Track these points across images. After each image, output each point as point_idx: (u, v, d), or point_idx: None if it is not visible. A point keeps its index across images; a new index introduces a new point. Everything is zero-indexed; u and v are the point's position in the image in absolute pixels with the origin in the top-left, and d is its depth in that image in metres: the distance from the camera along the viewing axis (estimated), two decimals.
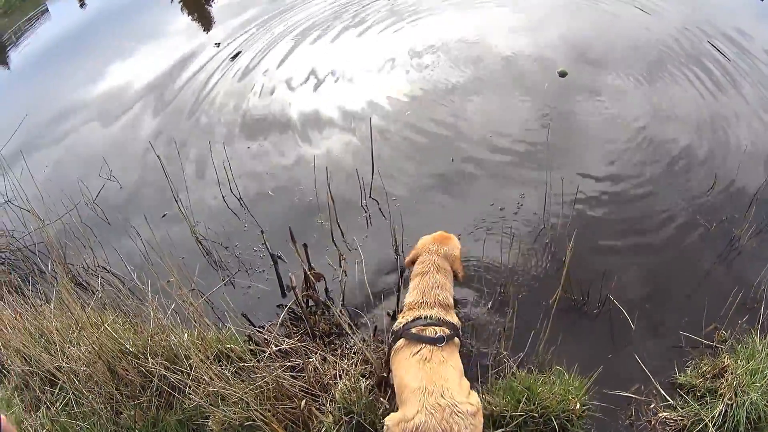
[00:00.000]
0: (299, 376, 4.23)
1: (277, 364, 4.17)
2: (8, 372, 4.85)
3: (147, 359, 4.19)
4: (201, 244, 6.03)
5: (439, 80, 7.48)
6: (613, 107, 6.71)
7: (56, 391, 4.55)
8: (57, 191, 6.94)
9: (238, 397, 3.94)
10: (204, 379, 3.96)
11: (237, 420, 3.96)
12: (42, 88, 10.20)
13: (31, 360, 4.65)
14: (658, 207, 5.56)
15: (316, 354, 4.36)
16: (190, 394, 4.03)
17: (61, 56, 11.28)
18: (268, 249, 5.28)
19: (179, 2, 12.06)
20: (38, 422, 4.35)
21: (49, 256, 5.91)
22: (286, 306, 4.89)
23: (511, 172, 6.07)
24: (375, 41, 8.58)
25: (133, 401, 4.29)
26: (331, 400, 4.10)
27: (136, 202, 6.76)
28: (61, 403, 4.45)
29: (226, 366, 4.17)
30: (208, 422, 4.12)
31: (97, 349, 4.34)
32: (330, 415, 4.04)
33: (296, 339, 4.54)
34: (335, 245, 5.48)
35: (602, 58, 7.50)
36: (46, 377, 4.63)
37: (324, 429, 3.98)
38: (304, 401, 4.02)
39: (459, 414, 3.25)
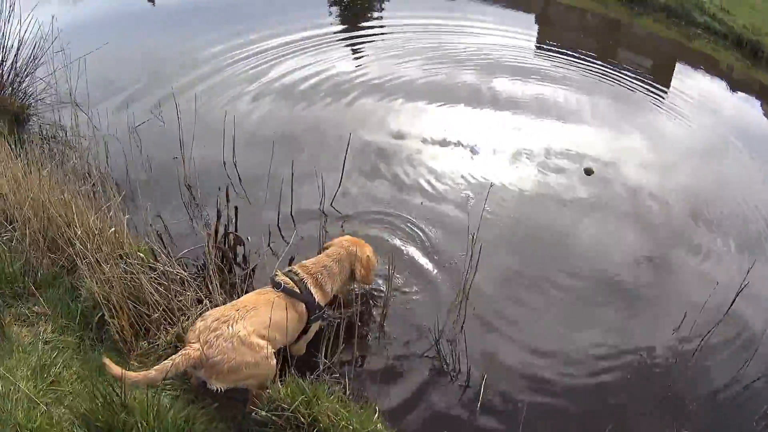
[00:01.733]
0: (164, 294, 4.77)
1: (153, 275, 4.78)
2: None
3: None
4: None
5: (564, 186, 7.87)
6: (708, 270, 6.80)
7: None
8: None
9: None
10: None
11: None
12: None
13: None
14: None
15: (192, 290, 4.91)
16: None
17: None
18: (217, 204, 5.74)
19: None
20: None
21: None
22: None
23: (596, 302, 6.21)
24: (524, 127, 9.20)
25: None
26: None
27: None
28: None
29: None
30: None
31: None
32: (169, 335, 4.57)
33: (189, 273, 5.14)
34: None
35: (715, 219, 7.76)
36: None
37: (159, 342, 4.53)
38: (157, 314, 4.61)
39: (221, 334, 3.93)
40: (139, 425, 3.46)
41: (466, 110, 9.31)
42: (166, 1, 16.98)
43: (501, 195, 7.39)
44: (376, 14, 15.71)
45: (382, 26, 13.83)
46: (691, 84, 12.72)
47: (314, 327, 4.76)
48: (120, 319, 4.41)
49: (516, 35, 13.58)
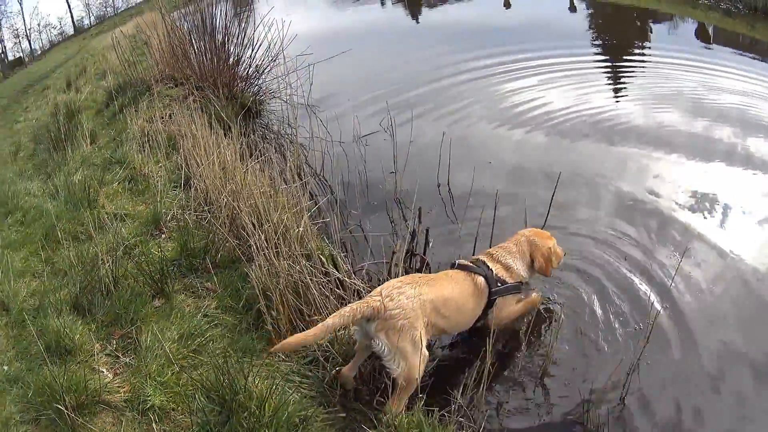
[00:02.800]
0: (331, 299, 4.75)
1: (324, 281, 4.79)
2: None
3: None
4: None
5: None
6: None
7: None
8: None
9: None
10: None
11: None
12: None
13: None
14: None
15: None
16: None
17: None
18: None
19: None
20: None
21: None
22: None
23: None
24: None
25: None
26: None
27: None
28: None
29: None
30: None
31: None
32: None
33: (367, 285, 5.06)
34: None
35: None
36: None
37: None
38: (319, 317, 4.53)
39: (404, 292, 4.03)
40: (254, 410, 3.56)
41: (722, 168, 8.31)
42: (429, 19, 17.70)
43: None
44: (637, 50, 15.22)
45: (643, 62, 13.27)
46: None
47: (505, 305, 4.71)
48: (280, 313, 4.51)
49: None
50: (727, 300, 5.51)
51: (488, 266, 4.61)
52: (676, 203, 7.13)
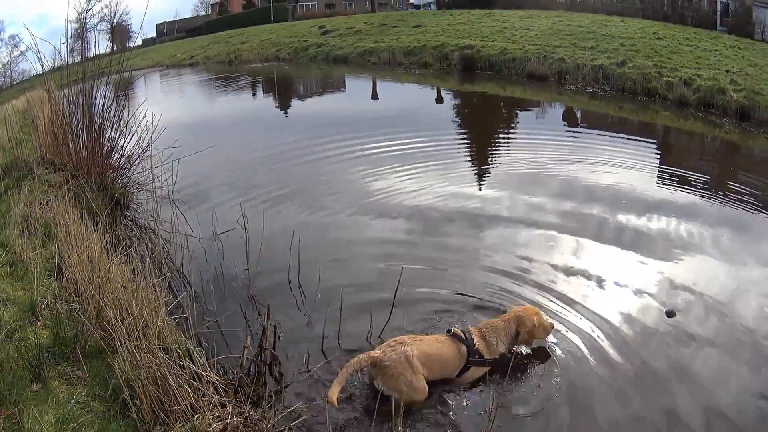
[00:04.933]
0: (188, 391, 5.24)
1: (182, 373, 5.26)
2: None
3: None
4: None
5: (682, 324, 7.38)
6: None
7: None
8: None
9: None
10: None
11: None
12: None
13: None
14: None
15: (218, 395, 5.33)
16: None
17: None
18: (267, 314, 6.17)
19: None
20: None
21: None
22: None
23: None
24: (646, 262, 8.96)
25: None
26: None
27: None
28: None
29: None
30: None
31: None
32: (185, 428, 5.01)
33: (222, 378, 5.58)
34: None
35: None
36: None
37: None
38: (178, 407, 5.05)
39: (396, 350, 5.45)
40: None
41: (592, 244, 9.39)
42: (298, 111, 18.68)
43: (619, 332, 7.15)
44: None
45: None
46: None
47: (475, 371, 5.89)
48: (142, 402, 4.95)
49: (638, 164, 14.32)
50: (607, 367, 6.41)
51: (473, 340, 5.86)
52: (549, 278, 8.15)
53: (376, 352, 5.46)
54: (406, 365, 5.37)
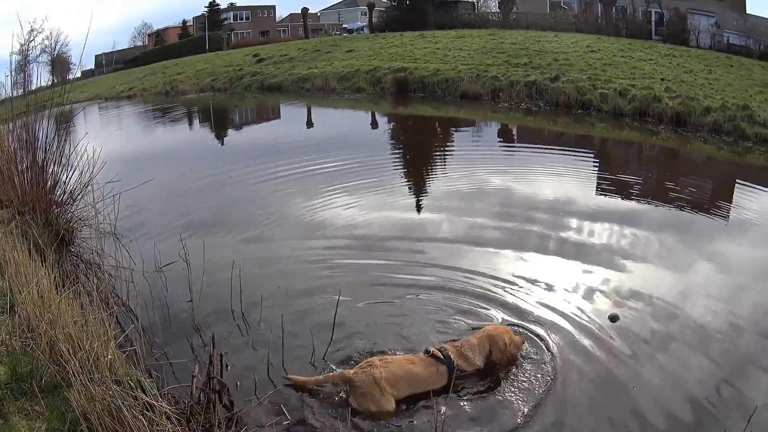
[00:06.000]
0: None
1: (135, 404, 5.45)
2: None
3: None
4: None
5: (628, 327, 7.70)
6: None
7: None
8: None
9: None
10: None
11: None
12: None
13: None
14: None
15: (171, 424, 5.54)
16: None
17: None
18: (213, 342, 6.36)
19: None
20: None
21: None
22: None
23: None
24: (591, 270, 9.38)
25: None
26: None
27: None
28: None
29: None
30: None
31: None
32: None
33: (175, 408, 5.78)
34: None
35: None
36: None
37: None
38: None
39: (367, 369, 5.95)
40: None
41: (534, 255, 9.85)
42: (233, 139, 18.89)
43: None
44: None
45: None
46: (753, 200, 13.68)
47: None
48: None
49: (576, 175, 15.18)
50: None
51: (452, 359, 6.22)
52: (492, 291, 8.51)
53: (348, 372, 5.98)
54: (375, 386, 5.80)
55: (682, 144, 20.41)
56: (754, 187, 15.08)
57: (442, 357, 6.23)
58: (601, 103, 24.18)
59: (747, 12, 37.47)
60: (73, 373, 5.46)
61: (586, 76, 26.69)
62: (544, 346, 7.15)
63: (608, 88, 24.86)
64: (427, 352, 6.30)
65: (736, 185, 15.46)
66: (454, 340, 6.71)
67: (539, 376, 6.59)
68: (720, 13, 37.50)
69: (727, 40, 36.73)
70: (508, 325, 7.33)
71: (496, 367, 6.50)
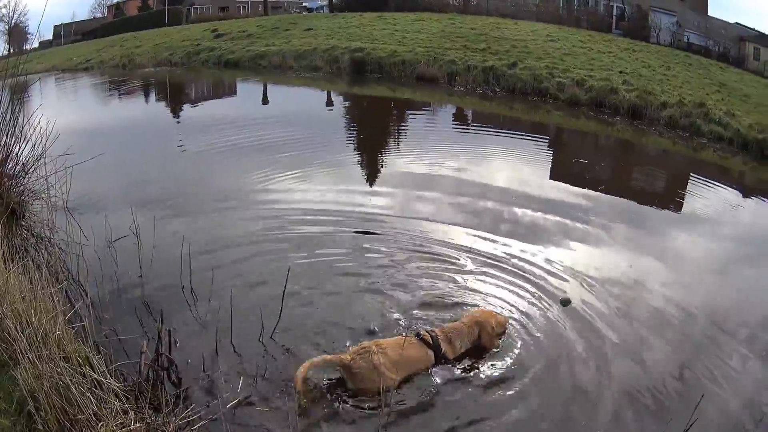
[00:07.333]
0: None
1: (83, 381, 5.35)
2: None
3: None
4: None
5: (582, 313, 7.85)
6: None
7: None
8: None
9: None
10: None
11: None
12: None
13: None
14: None
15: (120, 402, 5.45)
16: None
17: None
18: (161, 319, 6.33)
19: None
20: None
21: None
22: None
23: None
24: (541, 253, 9.53)
25: None
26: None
27: None
28: None
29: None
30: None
31: None
32: None
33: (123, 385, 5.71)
34: None
35: (735, 329, 7.82)
36: None
37: None
38: (82, 416, 5.12)
39: (365, 355, 5.92)
40: None
41: (489, 236, 9.99)
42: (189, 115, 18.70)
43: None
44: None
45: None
46: (705, 195, 14.14)
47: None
48: (47, 413, 5.00)
49: (530, 161, 15.46)
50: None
51: (440, 345, 6.34)
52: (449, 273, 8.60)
53: (347, 358, 5.95)
54: (374, 372, 5.84)
55: (638, 137, 20.91)
56: (708, 181, 15.56)
57: (431, 342, 6.35)
58: (557, 92, 24.49)
59: (708, 14, 37.91)
60: (20, 350, 5.35)
61: (544, 64, 26.93)
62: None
63: (566, 77, 25.17)
64: (417, 335, 6.39)
65: (690, 179, 15.95)
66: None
67: (490, 363, 6.65)
68: (681, 13, 37.89)
69: (687, 40, 37.12)
70: (453, 305, 7.62)
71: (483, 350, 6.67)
